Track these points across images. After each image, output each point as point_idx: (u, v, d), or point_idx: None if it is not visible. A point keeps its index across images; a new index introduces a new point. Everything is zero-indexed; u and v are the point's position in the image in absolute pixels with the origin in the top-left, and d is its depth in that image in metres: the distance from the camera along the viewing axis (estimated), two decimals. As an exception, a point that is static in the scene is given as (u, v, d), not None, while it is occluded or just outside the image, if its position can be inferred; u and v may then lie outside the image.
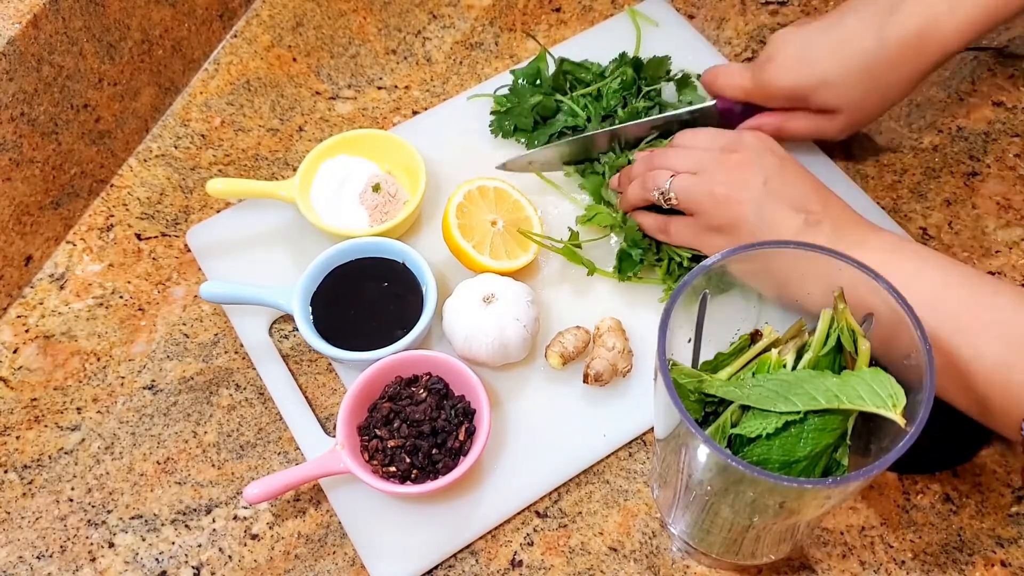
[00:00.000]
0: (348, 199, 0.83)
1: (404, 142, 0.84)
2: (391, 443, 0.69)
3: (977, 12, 0.69)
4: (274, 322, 0.80)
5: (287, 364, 0.78)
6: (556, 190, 0.85)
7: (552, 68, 0.88)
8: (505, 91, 0.89)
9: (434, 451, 0.70)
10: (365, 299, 0.77)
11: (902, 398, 0.52)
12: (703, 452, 0.53)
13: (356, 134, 0.85)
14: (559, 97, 0.87)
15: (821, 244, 0.58)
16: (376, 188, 0.83)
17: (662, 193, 0.73)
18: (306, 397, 0.76)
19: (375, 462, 0.70)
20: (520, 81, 0.88)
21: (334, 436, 0.72)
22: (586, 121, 0.85)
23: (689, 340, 0.61)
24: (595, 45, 0.92)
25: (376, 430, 0.70)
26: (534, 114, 0.86)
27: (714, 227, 0.71)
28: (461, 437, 0.70)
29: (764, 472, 0.50)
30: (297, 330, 0.79)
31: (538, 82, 0.88)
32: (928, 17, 0.71)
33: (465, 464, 0.68)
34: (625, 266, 0.79)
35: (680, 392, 0.57)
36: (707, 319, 0.61)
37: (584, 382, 0.73)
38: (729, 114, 0.83)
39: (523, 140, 0.87)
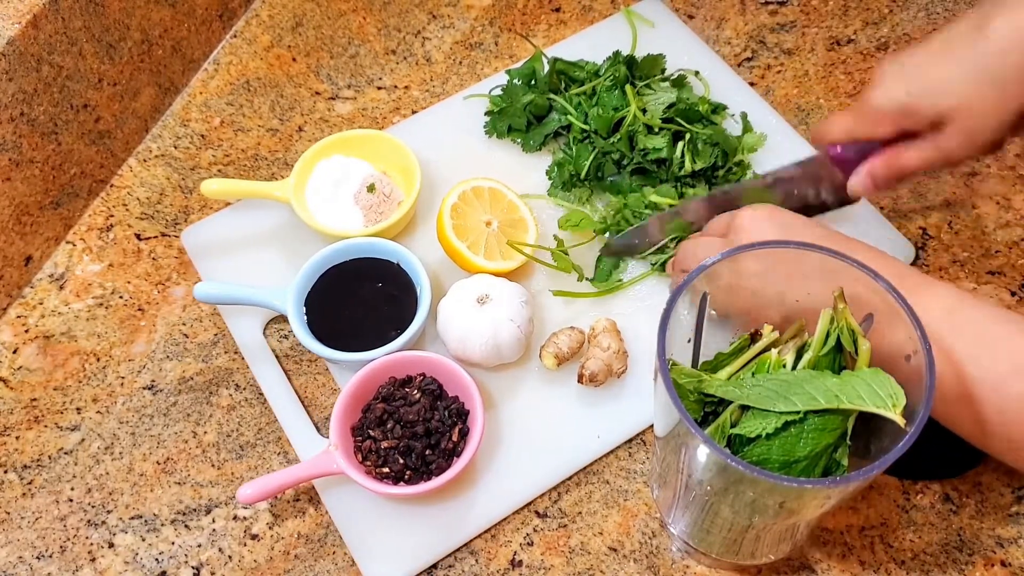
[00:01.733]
0: (343, 199, 0.83)
1: (399, 142, 0.84)
2: (385, 444, 0.69)
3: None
4: (272, 322, 0.80)
5: (285, 364, 0.78)
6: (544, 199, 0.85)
7: (547, 68, 0.88)
8: (500, 91, 0.89)
9: (428, 452, 0.70)
10: (359, 300, 0.77)
11: (902, 398, 0.52)
12: (703, 452, 0.53)
13: (351, 134, 0.85)
14: (552, 96, 0.86)
15: None
16: (371, 188, 0.83)
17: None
18: (304, 397, 0.76)
19: (369, 463, 0.70)
20: (515, 81, 0.88)
21: (328, 437, 0.72)
22: (583, 121, 0.84)
23: (689, 340, 0.61)
24: (594, 45, 0.92)
25: (370, 431, 0.70)
26: (527, 114, 0.86)
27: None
28: (455, 438, 0.70)
29: (764, 472, 0.50)
30: (297, 330, 0.79)
31: (533, 82, 0.88)
32: None
33: (459, 465, 0.68)
34: (599, 274, 0.80)
35: (680, 392, 0.57)
36: (707, 319, 0.61)
37: (579, 382, 0.73)
38: (844, 163, 0.76)
39: (518, 140, 0.87)
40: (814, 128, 0.78)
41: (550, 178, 0.85)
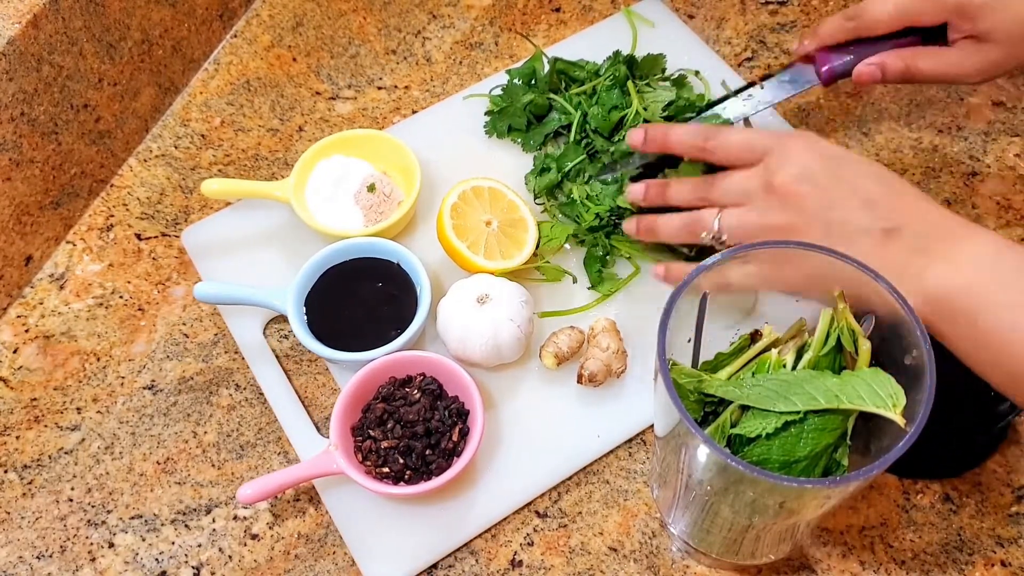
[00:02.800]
0: (343, 199, 0.83)
1: (399, 142, 0.84)
2: (385, 444, 0.69)
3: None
4: (272, 322, 0.80)
5: (285, 364, 0.78)
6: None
7: (547, 68, 0.88)
8: (500, 91, 0.88)
9: (428, 452, 0.70)
10: (359, 299, 0.77)
11: (902, 398, 0.52)
12: (703, 452, 0.53)
13: (351, 134, 0.85)
14: (551, 95, 0.86)
15: (903, 257, 0.55)
16: (371, 188, 0.83)
17: (714, 236, 0.66)
18: (304, 397, 0.76)
19: (369, 463, 0.70)
20: (515, 81, 0.88)
21: (328, 437, 0.72)
22: (583, 120, 0.84)
23: (689, 340, 0.61)
24: (594, 45, 0.92)
25: (370, 431, 0.70)
26: (527, 113, 0.86)
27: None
28: (455, 438, 0.70)
29: (764, 472, 0.50)
30: (297, 330, 0.79)
31: (533, 82, 0.88)
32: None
33: (459, 465, 0.68)
34: (592, 274, 0.79)
35: (680, 392, 0.57)
36: (707, 319, 0.61)
37: (578, 382, 0.73)
38: (833, 77, 0.74)
39: (518, 140, 0.87)
40: (805, 33, 0.76)
41: (529, 188, 0.84)
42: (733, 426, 0.57)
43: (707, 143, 0.69)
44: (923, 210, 0.60)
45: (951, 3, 0.66)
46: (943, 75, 0.69)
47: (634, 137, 0.75)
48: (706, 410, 0.60)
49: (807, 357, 0.58)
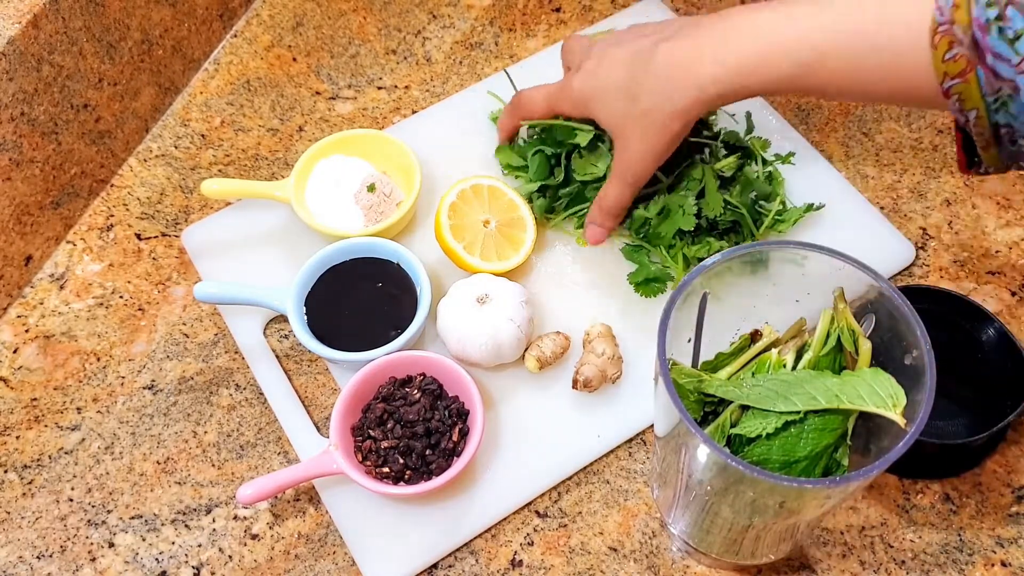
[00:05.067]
0: (343, 199, 0.83)
1: (399, 142, 0.84)
2: (385, 444, 0.69)
3: (736, 71, 0.64)
4: (272, 322, 0.80)
5: (285, 364, 0.78)
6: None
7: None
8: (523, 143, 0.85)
9: (428, 452, 0.70)
10: (359, 299, 0.77)
11: (902, 398, 0.52)
12: (703, 452, 0.53)
13: (351, 134, 0.85)
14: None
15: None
16: (371, 188, 0.83)
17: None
18: (304, 397, 0.76)
19: (368, 463, 0.70)
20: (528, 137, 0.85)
21: (328, 437, 0.72)
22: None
23: (689, 340, 0.61)
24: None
25: (370, 431, 0.70)
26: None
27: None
28: (455, 438, 0.70)
29: (764, 472, 0.50)
30: (297, 330, 0.79)
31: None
32: (694, 49, 0.66)
33: (459, 465, 0.68)
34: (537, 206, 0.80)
35: (680, 392, 0.57)
36: (707, 319, 0.61)
37: (573, 388, 0.73)
38: None
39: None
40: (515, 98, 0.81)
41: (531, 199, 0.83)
42: (733, 426, 0.57)
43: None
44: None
45: (576, 100, 0.74)
46: (613, 193, 0.75)
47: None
48: (706, 410, 0.60)
49: (807, 357, 0.58)
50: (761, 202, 0.80)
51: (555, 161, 0.81)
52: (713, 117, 0.82)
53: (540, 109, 0.78)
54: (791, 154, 0.83)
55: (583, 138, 0.77)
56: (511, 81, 0.88)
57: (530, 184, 0.82)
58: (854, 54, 0.59)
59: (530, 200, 0.81)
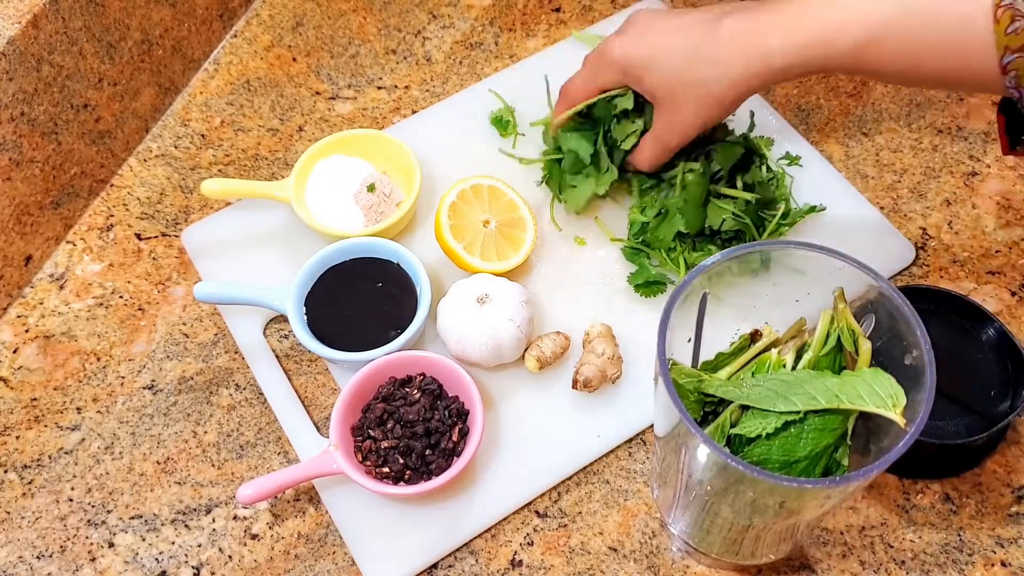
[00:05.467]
0: (343, 199, 0.83)
1: (399, 142, 0.84)
2: (384, 444, 0.69)
3: (803, 44, 0.65)
4: (272, 322, 0.80)
5: (285, 364, 0.78)
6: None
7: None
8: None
9: (427, 452, 0.70)
10: (359, 299, 0.77)
11: (902, 398, 0.52)
12: (703, 452, 0.53)
13: (351, 134, 0.85)
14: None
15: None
16: (371, 188, 0.83)
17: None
18: (304, 397, 0.76)
19: (368, 463, 0.70)
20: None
21: (328, 437, 0.72)
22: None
23: (689, 340, 0.61)
24: (595, 45, 0.92)
25: (370, 431, 0.70)
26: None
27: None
28: (455, 438, 0.70)
29: (764, 472, 0.50)
30: (297, 330, 0.79)
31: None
32: (761, 23, 0.66)
33: (458, 465, 0.68)
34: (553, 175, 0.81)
35: (680, 392, 0.57)
36: (707, 319, 0.61)
37: (573, 388, 0.73)
38: None
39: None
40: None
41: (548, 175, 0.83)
42: (733, 426, 0.57)
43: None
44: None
45: (621, 64, 0.73)
46: (647, 157, 0.76)
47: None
48: (706, 410, 0.60)
49: (807, 357, 0.58)
50: (764, 206, 0.79)
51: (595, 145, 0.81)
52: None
53: (581, 88, 0.78)
54: (798, 157, 0.83)
55: (626, 101, 0.77)
56: (548, 87, 0.88)
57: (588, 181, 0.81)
58: (915, 31, 0.60)
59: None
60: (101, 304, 0.82)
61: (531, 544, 0.70)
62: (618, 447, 0.74)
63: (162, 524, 0.72)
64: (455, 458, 0.70)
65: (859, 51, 0.62)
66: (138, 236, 0.85)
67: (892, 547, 0.69)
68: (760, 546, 0.63)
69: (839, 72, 0.70)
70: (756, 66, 0.66)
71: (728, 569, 0.68)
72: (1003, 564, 0.68)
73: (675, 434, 0.56)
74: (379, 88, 0.94)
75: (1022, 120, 0.62)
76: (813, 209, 0.81)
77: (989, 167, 0.86)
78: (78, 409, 0.76)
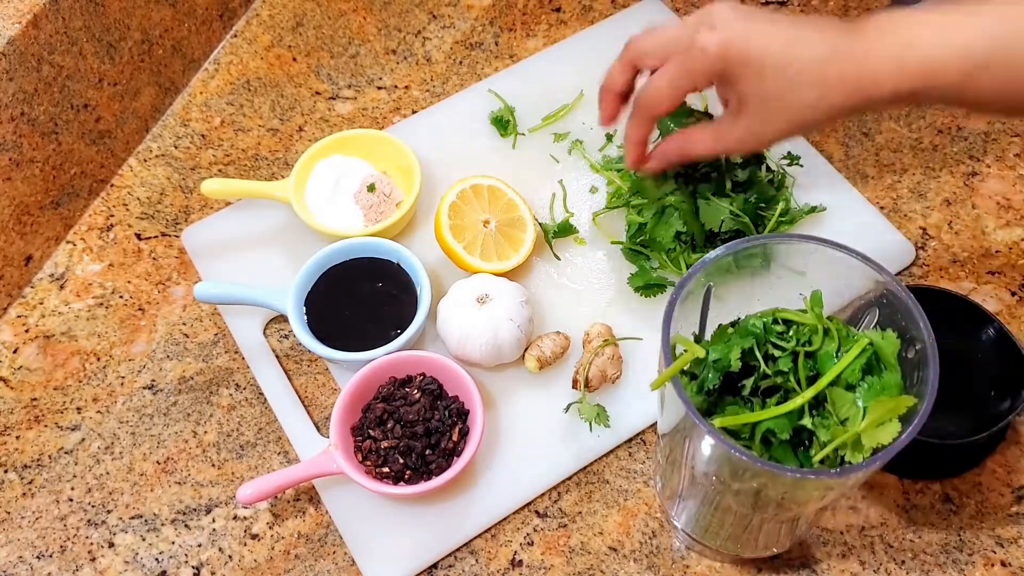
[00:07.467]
0: (343, 199, 0.83)
1: (399, 142, 0.84)
2: (384, 444, 0.69)
3: (912, 79, 0.61)
4: (272, 322, 0.80)
5: (285, 364, 0.78)
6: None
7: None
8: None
9: (427, 452, 0.70)
10: (359, 299, 0.77)
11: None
12: (708, 444, 0.53)
13: (351, 134, 0.85)
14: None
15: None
16: (371, 188, 0.83)
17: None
18: (304, 397, 0.76)
19: (368, 463, 0.69)
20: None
21: (328, 437, 0.72)
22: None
23: (693, 334, 0.61)
24: (595, 45, 0.92)
25: (370, 431, 0.70)
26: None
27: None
28: (455, 438, 0.70)
29: (768, 463, 0.51)
30: (297, 330, 0.79)
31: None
32: (871, 51, 0.61)
33: (458, 465, 0.68)
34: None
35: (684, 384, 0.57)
36: (710, 313, 0.61)
37: (573, 388, 0.73)
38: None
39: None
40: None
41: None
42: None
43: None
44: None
45: (717, 67, 0.64)
46: (712, 148, 0.69)
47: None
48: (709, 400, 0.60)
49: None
50: (762, 204, 0.79)
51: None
52: None
53: (667, 96, 0.67)
54: (798, 157, 0.83)
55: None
56: (582, 96, 0.88)
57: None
58: (1017, 59, 0.58)
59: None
60: (101, 304, 0.82)
61: (531, 544, 0.70)
62: (618, 447, 0.74)
63: (162, 524, 0.71)
64: (455, 458, 0.70)
65: (961, 84, 0.60)
66: (138, 236, 0.85)
67: (892, 547, 0.69)
68: (762, 537, 0.64)
69: (940, 104, 0.66)
70: (856, 100, 0.62)
71: (730, 562, 0.68)
72: (1003, 564, 0.68)
73: (680, 427, 0.56)
74: (379, 88, 0.94)
75: None
76: (813, 209, 0.81)
77: (989, 167, 0.86)
78: (78, 409, 0.76)
